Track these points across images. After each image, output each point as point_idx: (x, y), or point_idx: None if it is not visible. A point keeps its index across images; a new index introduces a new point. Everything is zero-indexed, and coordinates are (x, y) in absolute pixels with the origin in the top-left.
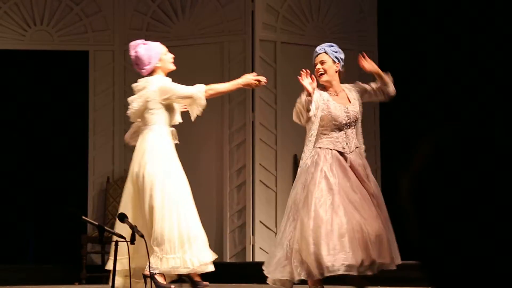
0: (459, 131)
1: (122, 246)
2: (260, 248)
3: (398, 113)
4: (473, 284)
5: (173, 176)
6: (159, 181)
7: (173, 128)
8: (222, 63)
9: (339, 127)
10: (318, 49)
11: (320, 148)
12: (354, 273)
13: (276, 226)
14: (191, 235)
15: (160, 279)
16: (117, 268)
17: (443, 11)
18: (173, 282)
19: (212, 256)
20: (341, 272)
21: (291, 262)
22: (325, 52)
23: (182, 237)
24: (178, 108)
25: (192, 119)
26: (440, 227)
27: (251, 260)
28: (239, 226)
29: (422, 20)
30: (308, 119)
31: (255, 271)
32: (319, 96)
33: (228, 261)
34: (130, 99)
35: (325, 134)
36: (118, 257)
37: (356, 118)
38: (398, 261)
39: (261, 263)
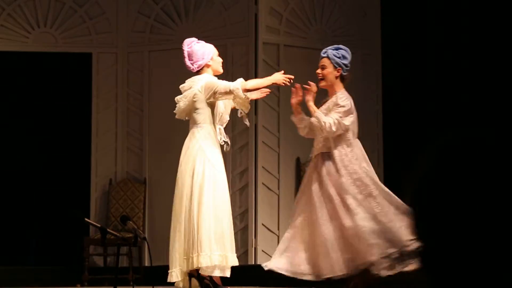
0: (463, 134)
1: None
2: (263, 250)
3: (400, 116)
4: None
5: (219, 179)
6: (209, 180)
7: (220, 127)
8: (225, 66)
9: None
10: (322, 52)
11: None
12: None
13: (278, 229)
14: (226, 235)
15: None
16: (178, 267)
17: (447, 15)
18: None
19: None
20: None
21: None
22: (327, 57)
23: (222, 237)
24: (226, 106)
25: (245, 122)
26: (444, 231)
27: (253, 263)
28: (241, 229)
29: (425, 24)
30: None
31: (257, 274)
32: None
33: None
34: (177, 98)
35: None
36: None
37: None
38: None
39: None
